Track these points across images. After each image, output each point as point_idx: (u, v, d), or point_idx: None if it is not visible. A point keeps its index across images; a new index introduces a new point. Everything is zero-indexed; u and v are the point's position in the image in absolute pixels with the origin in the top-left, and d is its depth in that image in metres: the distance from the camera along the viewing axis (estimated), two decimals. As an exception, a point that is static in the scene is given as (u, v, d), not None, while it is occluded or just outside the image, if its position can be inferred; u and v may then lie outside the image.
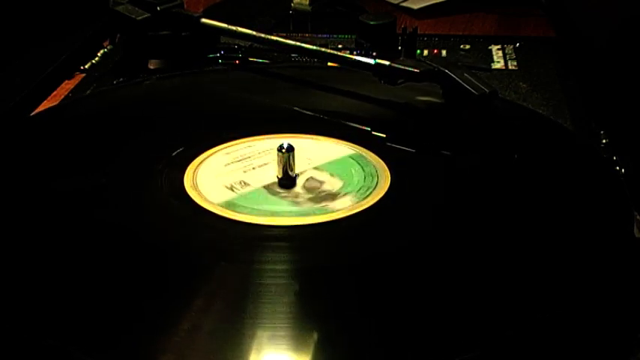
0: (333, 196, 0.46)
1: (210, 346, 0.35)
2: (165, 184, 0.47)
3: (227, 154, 0.50)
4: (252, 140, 0.51)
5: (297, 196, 0.46)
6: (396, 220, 0.44)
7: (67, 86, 0.66)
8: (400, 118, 0.56)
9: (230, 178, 0.47)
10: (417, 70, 0.54)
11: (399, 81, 0.55)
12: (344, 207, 0.45)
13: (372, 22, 0.68)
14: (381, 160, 0.49)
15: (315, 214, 0.44)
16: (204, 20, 0.65)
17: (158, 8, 0.65)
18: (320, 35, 0.74)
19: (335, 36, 0.73)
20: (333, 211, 0.44)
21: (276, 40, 0.62)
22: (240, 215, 0.44)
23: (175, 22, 0.66)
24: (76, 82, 0.66)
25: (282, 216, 0.44)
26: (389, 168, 0.48)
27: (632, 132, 0.56)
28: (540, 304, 0.38)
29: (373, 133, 0.53)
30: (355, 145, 0.51)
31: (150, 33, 0.66)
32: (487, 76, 0.65)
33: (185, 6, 0.68)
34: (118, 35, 0.72)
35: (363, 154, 0.50)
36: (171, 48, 0.66)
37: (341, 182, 0.47)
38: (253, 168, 0.48)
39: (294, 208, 0.45)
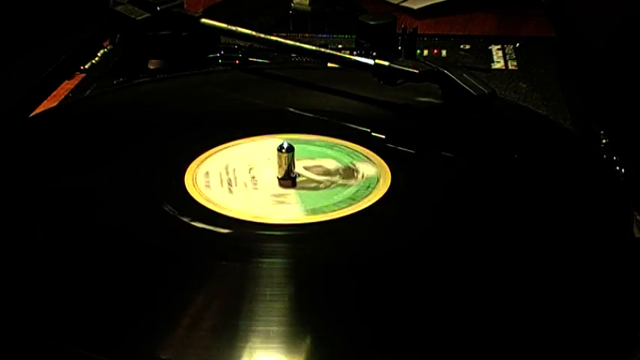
0: (350, 169, 0.48)
1: (211, 345, 0.35)
2: (166, 184, 0.47)
3: (207, 181, 0.48)
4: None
5: (331, 182, 0.47)
6: (397, 219, 0.44)
7: (67, 86, 0.66)
8: (400, 118, 0.56)
9: (260, 196, 0.46)
10: (416, 71, 0.54)
11: (399, 81, 0.55)
12: (374, 172, 0.47)
13: (372, 22, 0.68)
14: (381, 160, 0.49)
15: (373, 185, 0.46)
16: (204, 20, 0.65)
17: (158, 8, 0.65)
18: (320, 35, 0.74)
19: (335, 36, 0.73)
20: (377, 178, 0.47)
21: (276, 40, 0.62)
22: (332, 214, 0.44)
23: (175, 22, 0.66)
24: (76, 82, 0.66)
25: (360, 198, 0.45)
26: (389, 167, 0.48)
27: (632, 132, 0.56)
28: (540, 305, 0.38)
29: (373, 133, 0.53)
30: (354, 145, 0.51)
31: (150, 33, 0.66)
32: (487, 76, 0.65)
33: (185, 6, 0.68)
34: (118, 35, 0.72)
35: (293, 137, 0.51)
36: (171, 48, 0.66)
37: (330, 159, 0.49)
38: (256, 180, 0.48)
39: (353, 189, 0.46)
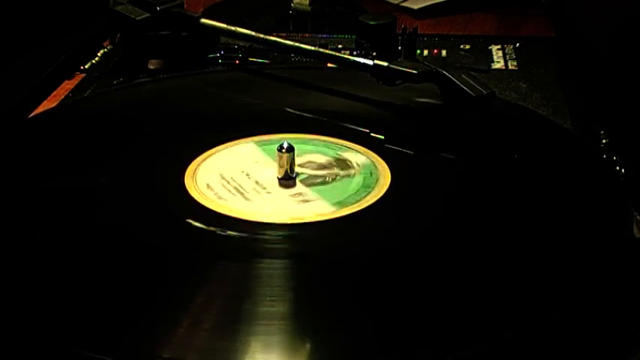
0: (340, 160, 0.49)
1: (213, 345, 0.35)
2: (165, 184, 0.47)
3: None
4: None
5: (335, 174, 0.48)
6: (396, 219, 0.44)
7: (67, 86, 0.66)
8: (400, 119, 0.56)
9: (281, 201, 0.46)
10: (415, 71, 0.54)
11: (397, 82, 0.55)
12: (364, 159, 0.49)
13: (372, 22, 0.68)
14: (381, 160, 0.49)
15: (373, 171, 0.48)
16: (204, 20, 0.65)
17: (158, 8, 0.65)
18: (320, 35, 0.74)
19: (335, 36, 0.73)
20: (371, 164, 0.48)
21: (276, 41, 0.62)
22: (356, 205, 0.44)
23: (175, 22, 0.66)
24: (76, 82, 0.66)
25: (372, 184, 0.46)
26: (389, 168, 0.48)
27: (632, 132, 0.56)
28: (540, 305, 0.38)
29: (372, 134, 0.53)
30: (355, 145, 0.51)
31: (150, 33, 0.66)
32: (487, 76, 0.65)
33: (185, 6, 0.68)
34: (118, 35, 0.72)
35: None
36: (171, 48, 0.66)
37: (317, 154, 0.49)
38: (258, 181, 0.48)
39: (360, 177, 0.47)
